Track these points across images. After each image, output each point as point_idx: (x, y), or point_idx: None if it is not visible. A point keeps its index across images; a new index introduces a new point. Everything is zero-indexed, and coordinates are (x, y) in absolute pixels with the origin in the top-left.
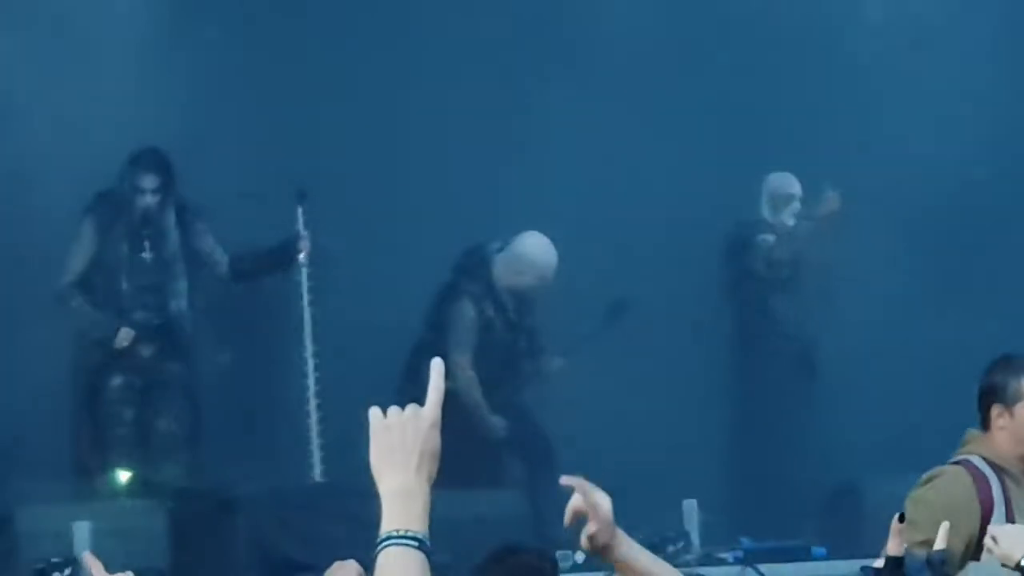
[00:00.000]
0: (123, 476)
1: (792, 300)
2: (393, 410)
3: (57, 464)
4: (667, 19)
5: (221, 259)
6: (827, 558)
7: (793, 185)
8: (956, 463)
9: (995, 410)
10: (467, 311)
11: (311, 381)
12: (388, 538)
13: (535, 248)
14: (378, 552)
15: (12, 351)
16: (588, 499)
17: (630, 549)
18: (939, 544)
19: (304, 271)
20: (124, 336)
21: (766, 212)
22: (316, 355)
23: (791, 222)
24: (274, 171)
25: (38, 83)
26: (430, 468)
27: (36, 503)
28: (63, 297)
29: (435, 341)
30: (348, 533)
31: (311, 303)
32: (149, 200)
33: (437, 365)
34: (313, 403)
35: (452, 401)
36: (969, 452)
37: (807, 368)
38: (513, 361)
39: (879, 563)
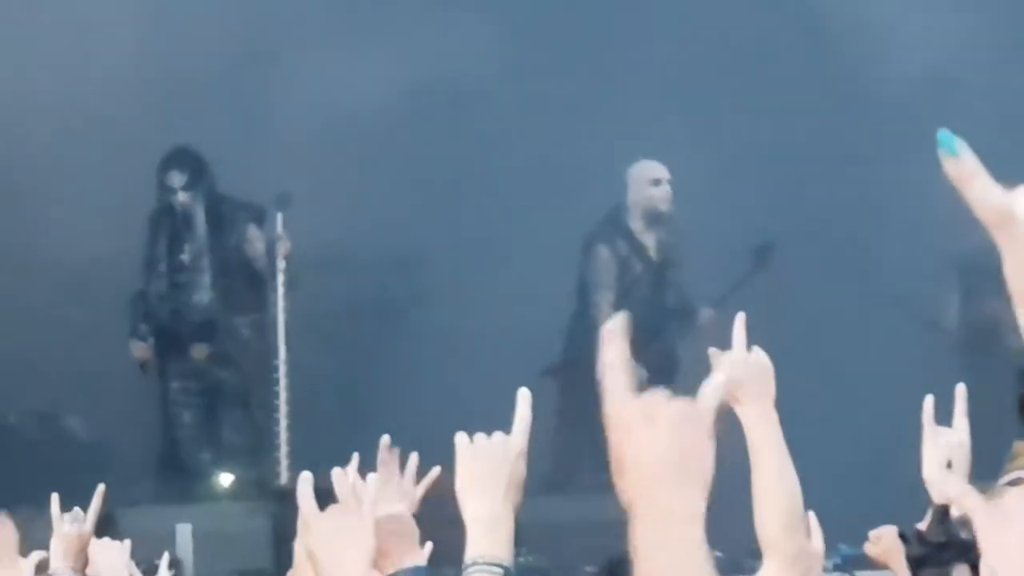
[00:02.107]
0: (224, 478)
1: None
2: (479, 436)
3: (159, 466)
4: None
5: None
6: None
7: None
8: (1011, 483)
9: None
10: (600, 251)
11: (280, 375)
12: (473, 564)
13: (640, 163)
14: None
15: (117, 356)
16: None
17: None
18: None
19: (280, 276)
20: (135, 349)
21: None
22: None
23: None
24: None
25: None
26: (516, 496)
27: (139, 505)
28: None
29: (582, 297)
30: (453, 538)
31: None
32: (182, 198)
33: (524, 395)
34: (284, 406)
35: (589, 381)
36: (1021, 467)
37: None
38: (662, 319)
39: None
